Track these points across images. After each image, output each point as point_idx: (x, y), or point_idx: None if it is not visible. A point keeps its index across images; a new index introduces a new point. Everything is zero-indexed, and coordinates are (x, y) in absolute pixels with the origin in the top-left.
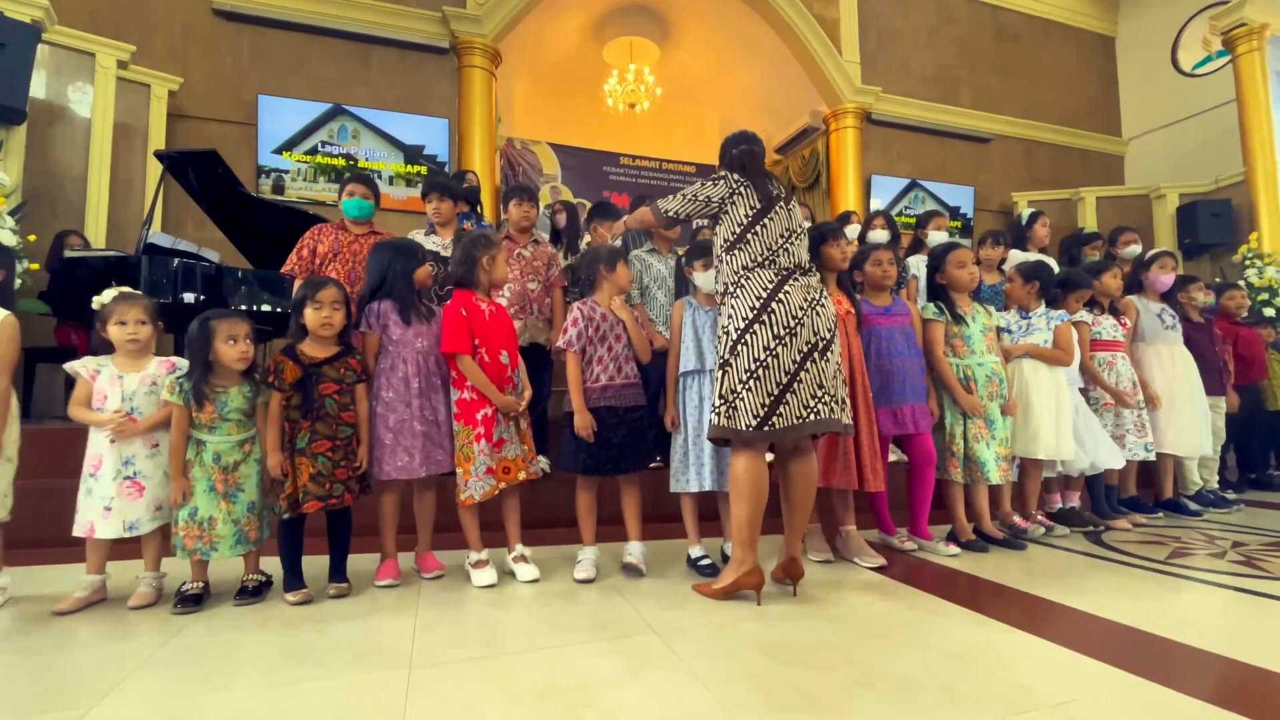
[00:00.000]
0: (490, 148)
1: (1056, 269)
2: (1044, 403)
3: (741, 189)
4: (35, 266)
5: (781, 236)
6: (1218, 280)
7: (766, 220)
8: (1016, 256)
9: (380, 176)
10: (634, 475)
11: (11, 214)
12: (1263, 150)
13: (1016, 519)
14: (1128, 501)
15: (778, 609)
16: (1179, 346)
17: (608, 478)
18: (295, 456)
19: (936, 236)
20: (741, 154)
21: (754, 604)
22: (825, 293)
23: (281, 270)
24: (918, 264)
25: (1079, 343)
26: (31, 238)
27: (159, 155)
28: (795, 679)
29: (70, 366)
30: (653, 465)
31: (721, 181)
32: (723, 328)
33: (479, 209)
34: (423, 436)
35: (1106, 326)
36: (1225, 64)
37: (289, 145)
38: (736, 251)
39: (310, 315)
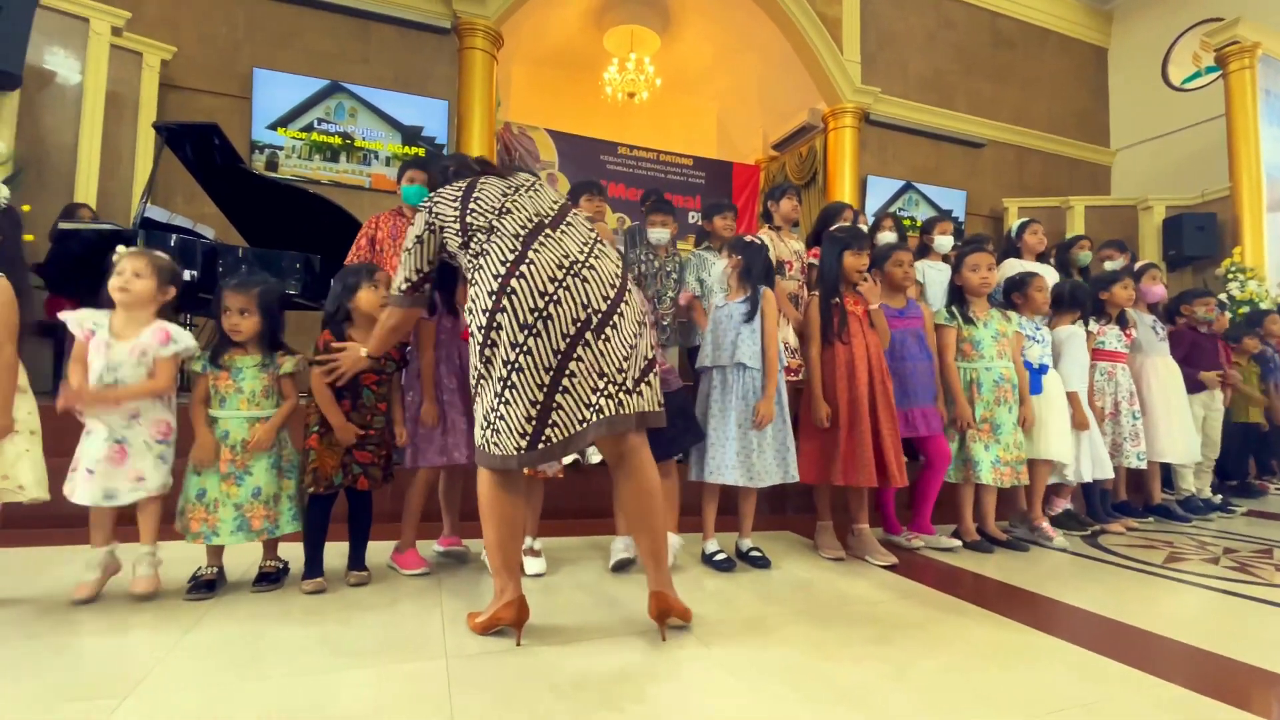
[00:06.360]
0: (490, 132)
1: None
2: (1055, 408)
3: (435, 203)
4: (30, 238)
5: (526, 202)
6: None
7: (512, 202)
8: (1013, 266)
9: (377, 157)
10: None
11: (6, 182)
12: (1249, 166)
13: (1044, 524)
14: (1119, 506)
15: (799, 606)
16: (1168, 357)
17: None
18: (323, 439)
19: (942, 241)
20: (447, 170)
21: (780, 602)
22: (597, 247)
23: (345, 264)
24: (921, 269)
25: None
26: (25, 208)
27: (158, 127)
28: (827, 674)
29: (67, 317)
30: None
31: (419, 213)
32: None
33: None
34: (456, 427)
35: (1111, 337)
36: (1214, 80)
37: (284, 121)
38: (484, 256)
39: (368, 297)
